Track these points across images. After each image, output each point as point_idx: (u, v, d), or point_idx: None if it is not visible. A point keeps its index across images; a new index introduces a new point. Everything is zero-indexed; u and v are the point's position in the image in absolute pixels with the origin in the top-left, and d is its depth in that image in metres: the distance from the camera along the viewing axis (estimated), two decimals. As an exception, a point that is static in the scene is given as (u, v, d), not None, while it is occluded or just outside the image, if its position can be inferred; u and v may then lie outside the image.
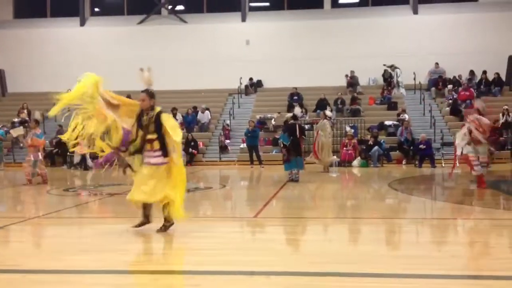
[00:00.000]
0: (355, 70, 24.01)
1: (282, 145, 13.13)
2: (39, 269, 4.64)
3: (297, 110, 13.79)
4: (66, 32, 26.90)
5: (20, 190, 12.08)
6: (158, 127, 6.03)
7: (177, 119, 21.98)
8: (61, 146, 19.39)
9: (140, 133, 6.10)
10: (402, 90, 23.61)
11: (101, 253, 5.28)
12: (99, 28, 26.73)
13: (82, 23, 27.12)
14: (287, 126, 13.05)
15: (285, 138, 12.71)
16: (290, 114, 13.61)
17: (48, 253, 5.27)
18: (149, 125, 6.06)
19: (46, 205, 9.80)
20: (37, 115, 14.16)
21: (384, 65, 23.52)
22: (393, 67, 23.68)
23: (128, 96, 7.69)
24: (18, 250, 5.62)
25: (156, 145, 6.05)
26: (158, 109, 6.14)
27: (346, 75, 24.13)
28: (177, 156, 6.06)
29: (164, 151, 6.02)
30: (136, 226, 6.26)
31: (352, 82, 24.12)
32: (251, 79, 24.98)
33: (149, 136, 6.07)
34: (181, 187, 6.11)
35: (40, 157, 12.86)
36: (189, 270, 4.51)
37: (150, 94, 6.13)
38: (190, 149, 19.56)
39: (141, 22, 26.66)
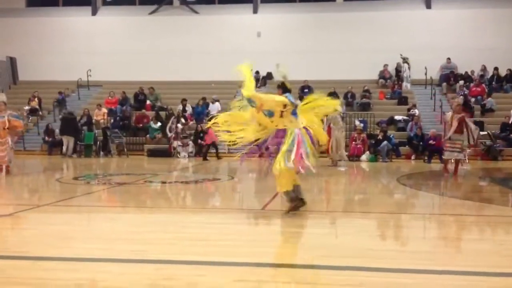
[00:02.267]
0: (364, 64, 23.92)
1: None
2: (47, 256, 4.67)
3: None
4: (78, 21, 27.00)
5: (29, 178, 12.15)
6: None
7: (186, 110, 22.08)
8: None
9: None
10: (408, 85, 23.55)
11: (108, 241, 5.32)
12: (110, 18, 26.79)
13: (94, 13, 27.21)
14: None
15: None
16: None
17: (56, 240, 5.31)
18: None
19: (55, 193, 9.87)
20: (3, 97, 13.15)
21: (401, 55, 23.42)
22: (406, 59, 23.59)
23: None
24: (26, 237, 5.67)
25: None
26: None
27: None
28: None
29: None
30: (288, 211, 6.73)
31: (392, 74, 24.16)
32: (257, 72, 24.85)
33: None
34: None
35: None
36: (195, 260, 4.52)
37: (281, 87, 6.86)
38: (199, 140, 19.61)
39: (152, 12, 26.69)
